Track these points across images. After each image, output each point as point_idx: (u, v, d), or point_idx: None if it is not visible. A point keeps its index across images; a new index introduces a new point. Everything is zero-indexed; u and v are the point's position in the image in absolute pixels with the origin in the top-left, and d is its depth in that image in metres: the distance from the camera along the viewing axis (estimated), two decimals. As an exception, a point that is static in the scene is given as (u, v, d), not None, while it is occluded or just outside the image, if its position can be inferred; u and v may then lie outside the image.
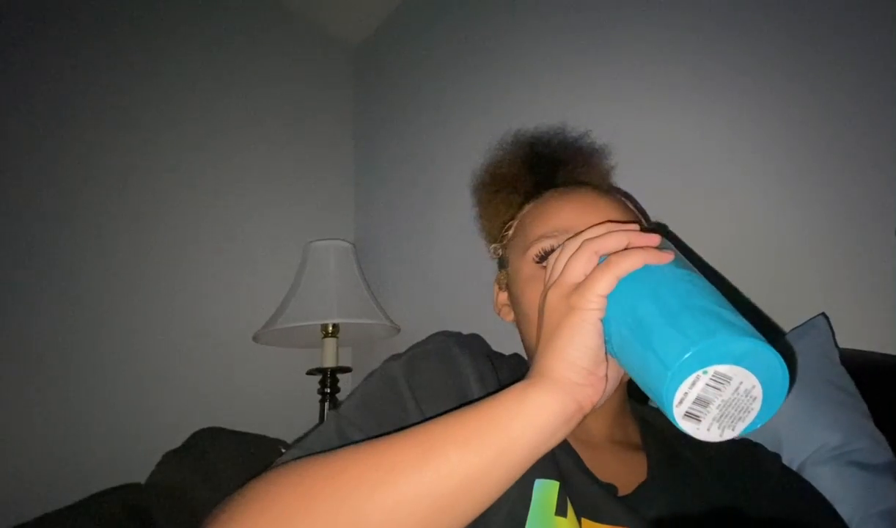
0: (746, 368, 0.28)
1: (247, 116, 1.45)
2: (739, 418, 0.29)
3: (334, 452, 0.34)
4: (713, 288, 0.32)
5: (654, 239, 0.35)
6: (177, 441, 0.83)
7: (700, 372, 0.27)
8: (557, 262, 0.37)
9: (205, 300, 1.29)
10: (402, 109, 1.55)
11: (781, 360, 0.28)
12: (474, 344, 0.50)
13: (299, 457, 0.36)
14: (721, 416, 0.29)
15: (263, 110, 1.49)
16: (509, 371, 0.49)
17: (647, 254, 0.33)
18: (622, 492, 0.44)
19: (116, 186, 1.19)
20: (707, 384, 0.28)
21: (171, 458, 0.60)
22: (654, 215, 0.80)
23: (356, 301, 1.26)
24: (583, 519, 0.40)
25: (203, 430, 0.64)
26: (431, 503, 0.30)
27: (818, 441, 0.54)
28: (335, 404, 1.23)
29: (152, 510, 0.47)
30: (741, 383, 0.28)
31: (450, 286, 1.31)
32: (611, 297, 0.32)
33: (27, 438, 0.99)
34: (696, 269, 0.34)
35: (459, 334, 0.50)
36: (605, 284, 0.32)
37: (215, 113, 1.39)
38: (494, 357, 0.50)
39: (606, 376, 0.34)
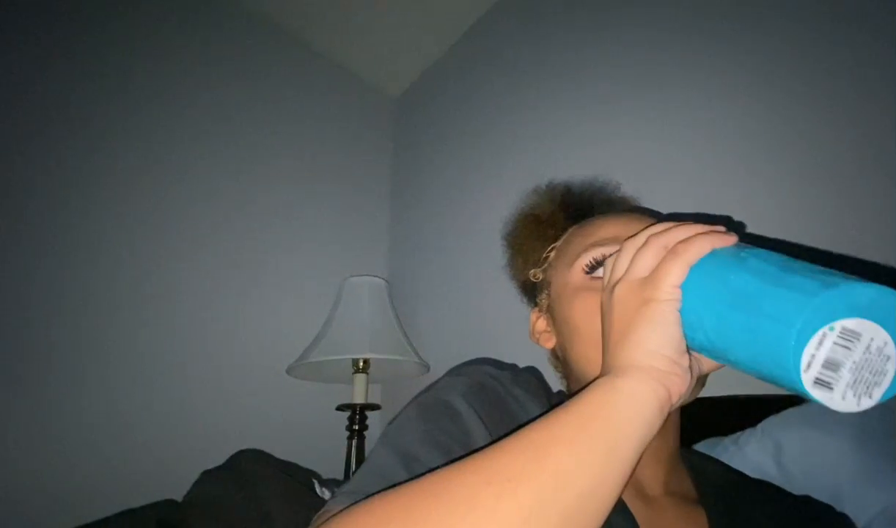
0: (875, 321, 0.25)
1: (290, 157, 1.52)
2: (875, 384, 0.26)
3: (423, 478, 0.29)
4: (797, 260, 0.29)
5: (719, 227, 0.33)
6: (207, 467, 0.83)
7: (826, 329, 0.25)
8: (620, 258, 0.35)
9: (242, 331, 1.32)
10: (438, 156, 1.61)
11: None
12: (532, 380, 0.48)
13: (358, 501, 0.30)
14: (855, 381, 0.25)
15: (306, 153, 1.56)
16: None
17: (713, 237, 0.31)
18: None
19: (164, 220, 1.26)
20: (835, 343, 0.25)
21: (211, 475, 0.60)
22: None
23: (387, 338, 1.27)
24: None
25: (244, 451, 0.64)
26: (554, 516, 0.26)
27: (885, 499, 0.50)
28: (362, 442, 1.21)
29: (190, 523, 0.46)
30: (872, 339, 0.25)
31: (479, 327, 1.30)
32: (685, 286, 0.31)
33: (61, 455, 1.00)
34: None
35: (515, 366, 0.49)
36: (678, 272, 0.30)
37: (260, 152, 1.46)
38: (551, 394, 0.49)
39: (690, 368, 0.32)
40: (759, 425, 0.65)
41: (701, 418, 0.74)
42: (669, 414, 0.45)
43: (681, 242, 0.31)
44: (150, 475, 1.05)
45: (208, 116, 1.38)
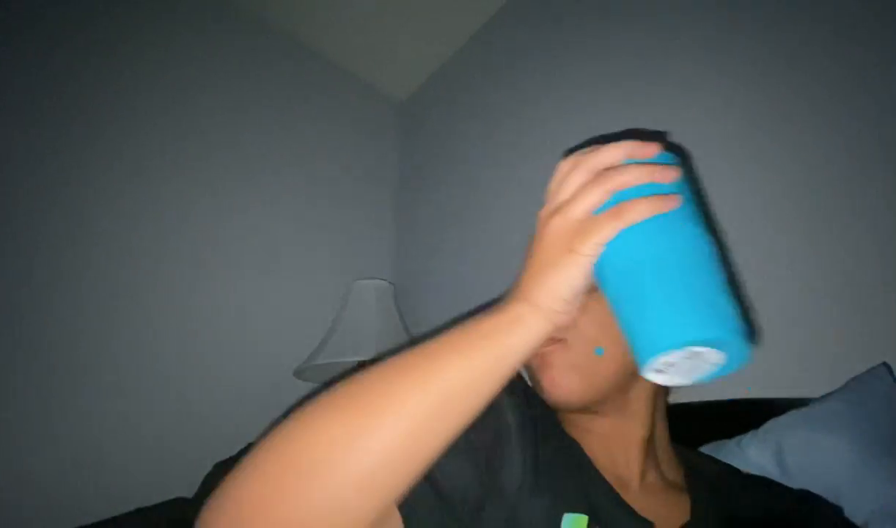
0: (721, 350, 0.32)
1: (296, 161, 1.54)
2: (695, 371, 0.34)
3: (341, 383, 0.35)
4: (710, 256, 0.34)
5: (669, 174, 0.34)
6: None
7: (682, 348, 0.32)
8: (569, 181, 0.36)
9: (251, 334, 1.33)
10: (444, 160, 1.63)
11: (749, 350, 0.33)
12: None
13: None
14: (684, 371, 0.33)
15: (312, 157, 1.58)
16: (541, 404, 0.50)
17: (656, 203, 0.33)
18: None
19: (172, 225, 1.28)
20: (682, 355, 0.32)
21: (223, 467, 0.60)
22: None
23: (393, 341, 1.28)
24: None
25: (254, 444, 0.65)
26: (437, 399, 0.33)
27: (882, 496, 0.50)
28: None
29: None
30: (710, 355, 0.32)
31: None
32: (610, 243, 0.33)
33: (70, 454, 1.02)
34: (700, 219, 0.35)
35: None
36: (609, 234, 0.33)
37: (267, 156, 1.48)
38: (529, 391, 0.52)
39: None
40: (762, 428, 0.65)
41: (706, 422, 0.75)
42: (638, 404, 0.49)
43: (625, 203, 0.33)
44: (158, 476, 1.06)
45: (214, 122, 1.41)
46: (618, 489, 0.45)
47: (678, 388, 0.62)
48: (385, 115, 1.82)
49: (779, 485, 0.52)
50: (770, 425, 0.64)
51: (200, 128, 1.38)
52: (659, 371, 0.33)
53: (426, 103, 1.77)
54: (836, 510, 0.49)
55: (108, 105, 1.23)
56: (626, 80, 1.13)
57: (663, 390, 0.54)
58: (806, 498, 0.50)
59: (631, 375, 0.48)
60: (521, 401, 0.47)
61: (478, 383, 0.34)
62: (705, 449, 0.70)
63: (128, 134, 1.25)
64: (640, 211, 0.33)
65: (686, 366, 0.33)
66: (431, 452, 0.33)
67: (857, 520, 0.50)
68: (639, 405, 0.50)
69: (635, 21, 1.14)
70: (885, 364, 0.62)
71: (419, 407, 0.32)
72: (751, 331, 0.35)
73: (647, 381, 0.50)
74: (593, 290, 0.39)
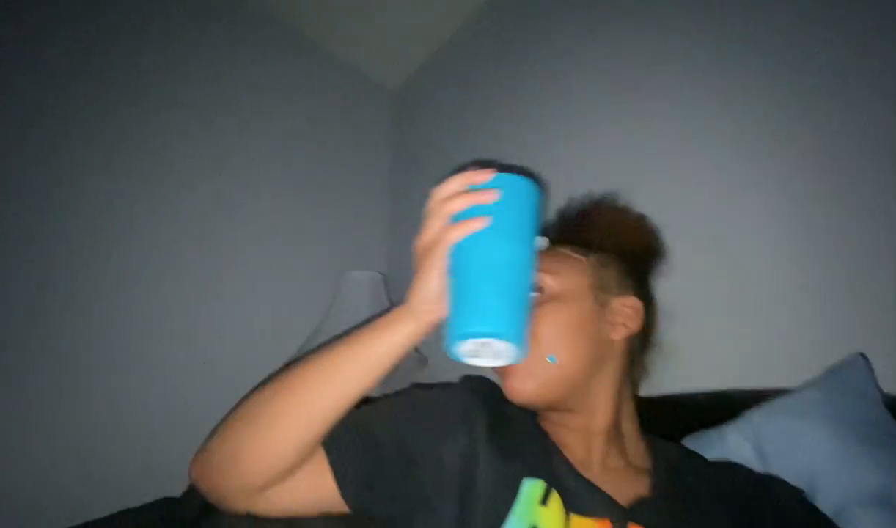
0: (504, 340, 0.42)
1: (288, 150, 1.54)
2: (501, 356, 0.44)
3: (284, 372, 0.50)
4: (499, 264, 0.43)
5: (489, 197, 0.45)
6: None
7: (471, 340, 0.42)
8: (425, 214, 0.48)
9: (241, 326, 1.34)
10: (437, 149, 1.62)
11: (524, 345, 0.43)
12: (480, 385, 0.58)
13: None
14: (491, 354, 0.43)
15: (303, 146, 1.57)
16: (517, 407, 0.55)
17: (468, 227, 0.44)
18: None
19: (162, 216, 1.28)
20: (475, 344, 0.42)
21: None
22: (690, 257, 0.80)
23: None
24: (571, 515, 0.46)
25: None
26: (341, 382, 0.48)
27: (857, 483, 0.52)
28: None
29: (208, 511, 0.49)
30: (498, 344, 0.42)
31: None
32: (451, 254, 0.45)
33: (58, 454, 1.03)
34: (510, 232, 0.44)
35: (470, 376, 0.58)
36: (441, 252, 0.45)
37: (258, 145, 1.48)
38: (499, 394, 0.56)
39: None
40: (742, 417, 0.67)
41: (688, 414, 0.76)
42: (598, 399, 0.55)
43: (448, 227, 0.45)
44: (145, 476, 1.07)
45: (204, 110, 1.39)
46: (579, 469, 0.50)
47: (649, 381, 0.64)
48: (377, 103, 1.81)
49: (741, 467, 0.56)
50: (750, 414, 0.66)
51: (189, 117, 1.37)
52: (473, 357, 0.44)
53: (419, 91, 1.76)
54: (797, 492, 0.51)
55: (95, 97, 1.22)
56: (620, 69, 1.12)
57: (628, 386, 0.58)
58: (767, 480, 0.52)
59: (586, 376, 0.53)
60: (480, 396, 0.54)
61: (367, 369, 0.48)
62: (687, 440, 0.71)
63: (116, 125, 1.25)
64: (457, 232, 0.44)
65: (490, 351, 0.43)
66: (337, 412, 0.48)
67: (832, 506, 0.52)
68: (600, 401, 0.54)
69: (631, 10, 1.12)
70: (861, 355, 0.63)
71: (329, 387, 0.47)
72: (521, 325, 0.43)
73: (607, 380, 0.55)
74: (544, 302, 0.53)
